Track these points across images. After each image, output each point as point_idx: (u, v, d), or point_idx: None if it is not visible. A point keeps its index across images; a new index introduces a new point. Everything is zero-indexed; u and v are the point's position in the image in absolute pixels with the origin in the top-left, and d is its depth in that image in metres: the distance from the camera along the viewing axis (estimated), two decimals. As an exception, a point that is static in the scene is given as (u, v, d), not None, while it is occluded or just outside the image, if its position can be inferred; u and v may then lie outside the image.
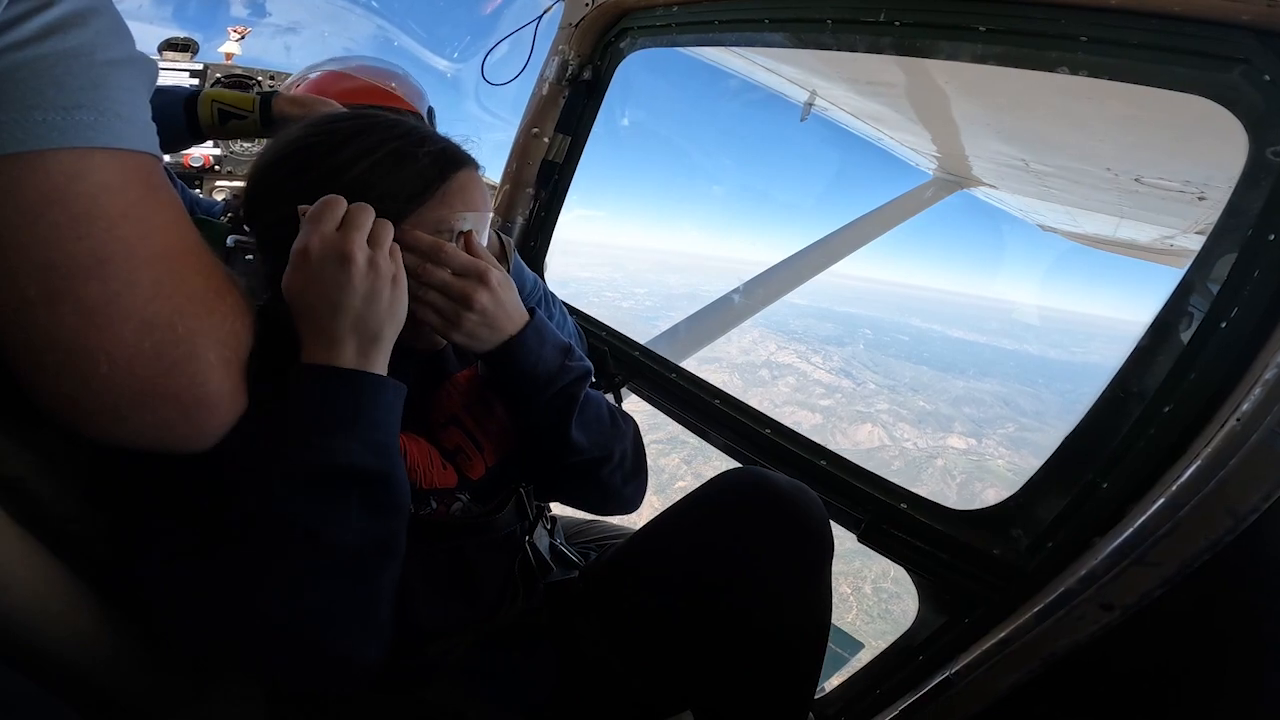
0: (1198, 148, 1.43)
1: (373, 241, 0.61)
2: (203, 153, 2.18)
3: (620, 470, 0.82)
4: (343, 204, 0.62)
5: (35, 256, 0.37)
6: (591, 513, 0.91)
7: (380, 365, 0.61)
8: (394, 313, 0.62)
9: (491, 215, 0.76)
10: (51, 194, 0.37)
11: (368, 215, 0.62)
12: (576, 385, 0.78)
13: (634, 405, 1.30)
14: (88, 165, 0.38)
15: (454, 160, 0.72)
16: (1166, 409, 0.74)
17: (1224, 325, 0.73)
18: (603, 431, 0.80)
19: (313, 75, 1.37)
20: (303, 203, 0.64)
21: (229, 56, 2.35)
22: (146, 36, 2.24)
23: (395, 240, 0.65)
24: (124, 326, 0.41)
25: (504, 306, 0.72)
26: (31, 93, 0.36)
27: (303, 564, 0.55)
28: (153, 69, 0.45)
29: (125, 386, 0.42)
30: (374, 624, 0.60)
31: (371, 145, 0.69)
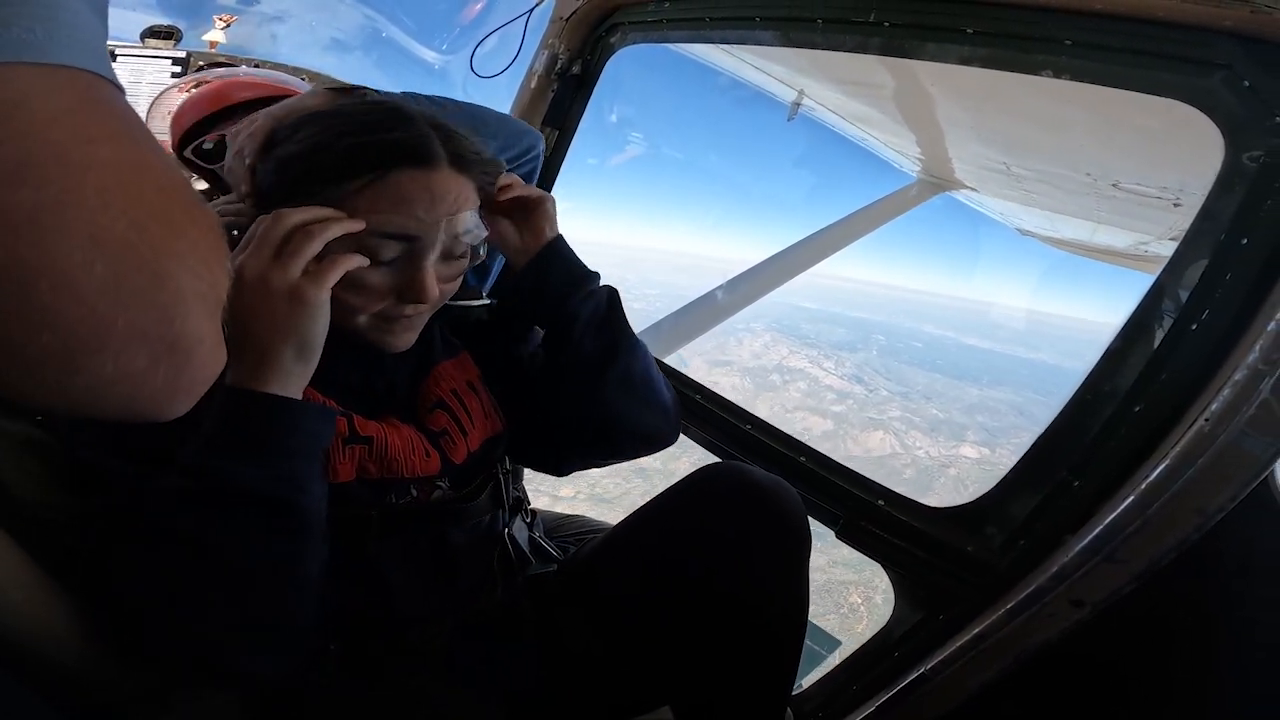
0: (1175, 154, 1.46)
1: (286, 254, 0.58)
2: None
3: (660, 378, 0.87)
4: (272, 220, 0.60)
5: None
6: (631, 443, 0.86)
7: (282, 384, 0.58)
8: (289, 329, 0.58)
9: (444, 223, 0.66)
10: None
11: (277, 229, 0.59)
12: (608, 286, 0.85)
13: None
14: (2, 76, 0.33)
15: (386, 156, 0.64)
16: (1138, 409, 0.75)
17: (1195, 327, 0.74)
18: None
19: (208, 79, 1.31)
20: (249, 190, 0.67)
21: (213, 44, 2.32)
22: (129, 24, 2.20)
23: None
24: (67, 240, 0.34)
25: None
26: None
27: (192, 575, 0.55)
28: (98, 1, 0.39)
29: (76, 319, 0.34)
30: (273, 642, 0.60)
31: (314, 132, 0.67)
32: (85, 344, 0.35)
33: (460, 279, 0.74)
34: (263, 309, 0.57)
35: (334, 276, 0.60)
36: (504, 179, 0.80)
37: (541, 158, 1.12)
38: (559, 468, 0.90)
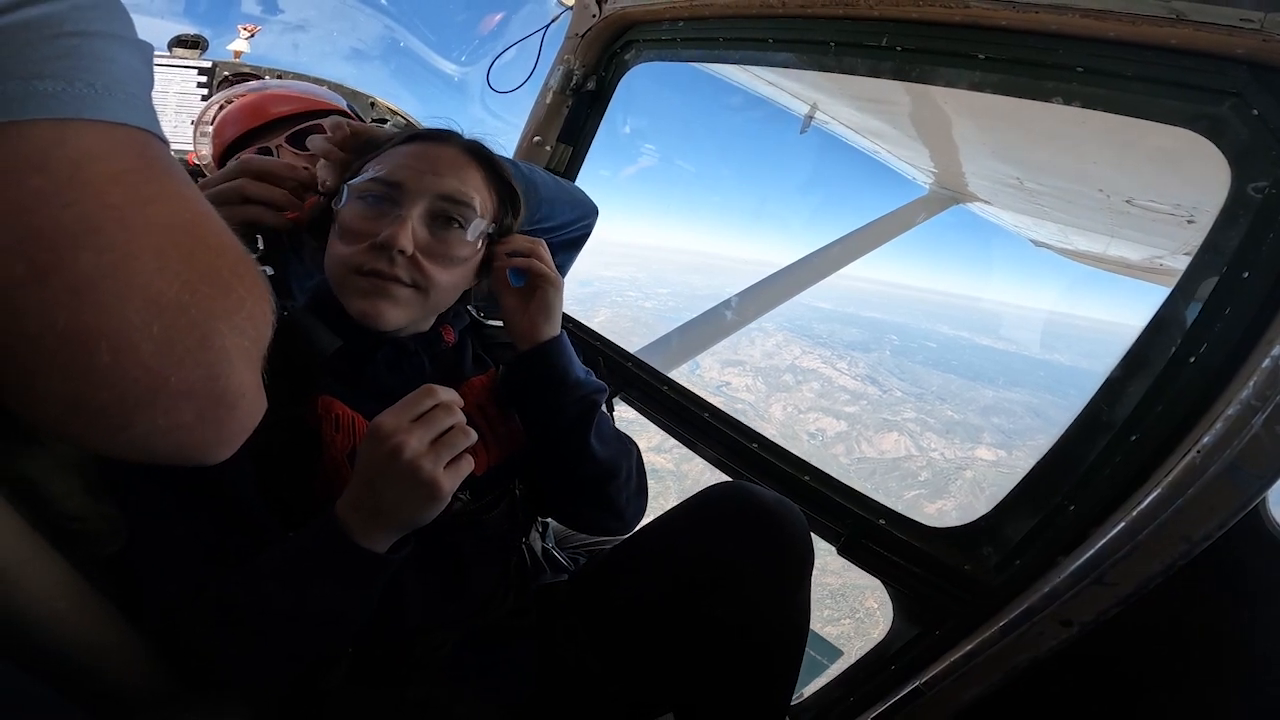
0: (1189, 173, 1.45)
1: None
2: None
3: (626, 488, 0.87)
4: (425, 393, 0.64)
5: (19, 227, 0.34)
6: (591, 532, 0.96)
7: (384, 544, 0.66)
8: (414, 510, 0.64)
9: (429, 179, 0.75)
10: (26, 162, 0.34)
11: (427, 401, 0.64)
12: (598, 394, 0.84)
13: (623, 413, 1.33)
14: (67, 133, 0.35)
15: (414, 133, 0.80)
16: (1134, 438, 0.77)
17: (1193, 360, 0.75)
18: (614, 445, 0.86)
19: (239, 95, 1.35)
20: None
21: (237, 54, 2.37)
22: (157, 32, 2.26)
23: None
24: (126, 306, 0.36)
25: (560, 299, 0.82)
26: None
27: (242, 630, 0.65)
28: (145, 49, 0.41)
29: (132, 380, 0.36)
30: (300, 667, 0.69)
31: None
32: (140, 400, 0.37)
33: (453, 271, 0.76)
34: (400, 486, 0.62)
35: (464, 474, 0.65)
36: (517, 240, 0.82)
37: (591, 231, 1.13)
38: (538, 508, 0.94)
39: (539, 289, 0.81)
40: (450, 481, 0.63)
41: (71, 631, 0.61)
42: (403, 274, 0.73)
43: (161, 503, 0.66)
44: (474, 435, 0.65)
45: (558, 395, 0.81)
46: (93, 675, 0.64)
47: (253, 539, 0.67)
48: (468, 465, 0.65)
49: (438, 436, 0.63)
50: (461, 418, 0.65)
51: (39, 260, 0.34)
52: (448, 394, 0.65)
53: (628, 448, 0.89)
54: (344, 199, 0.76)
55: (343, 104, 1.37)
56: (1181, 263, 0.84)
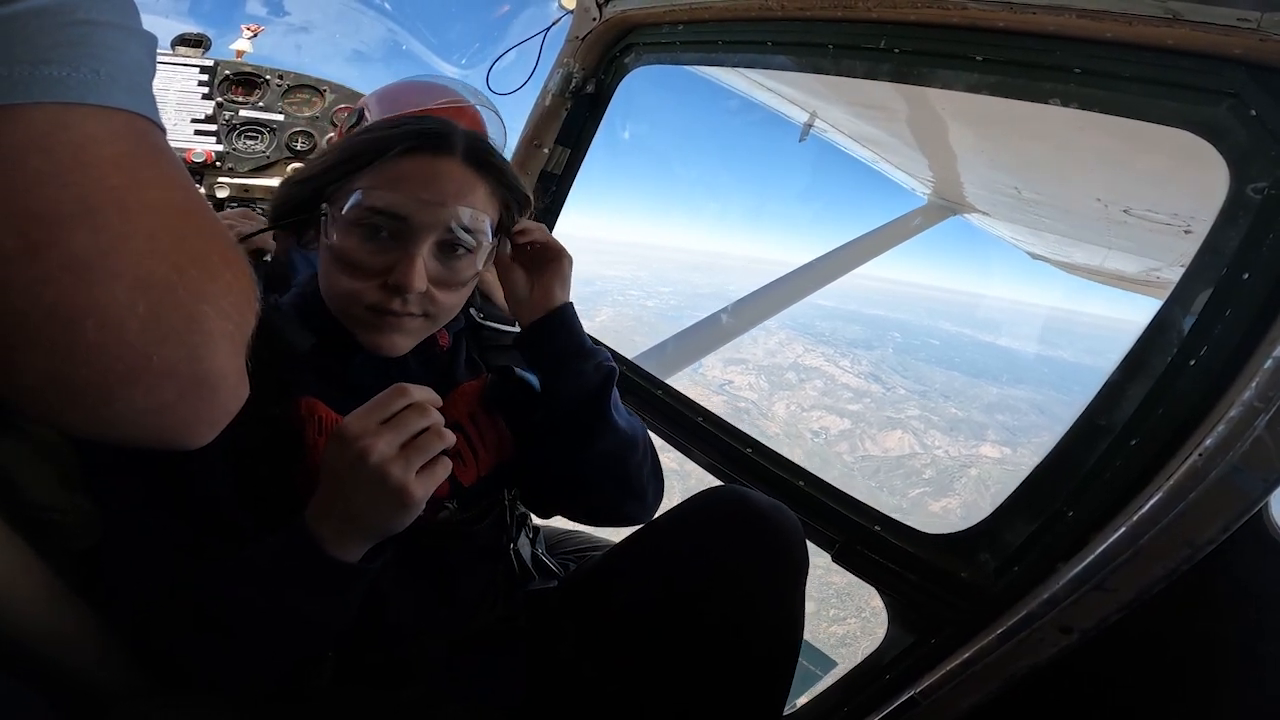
0: (1186, 181, 1.45)
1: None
2: (205, 149, 2.18)
3: (645, 466, 0.84)
4: (396, 393, 0.61)
5: (15, 206, 0.34)
6: (608, 520, 0.89)
7: (356, 554, 0.63)
8: (386, 518, 0.61)
9: (439, 210, 0.69)
10: (29, 143, 0.34)
11: (398, 402, 0.61)
12: (611, 363, 0.83)
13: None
14: (71, 117, 0.35)
15: (412, 141, 0.69)
16: (1134, 441, 0.76)
17: (1193, 362, 0.74)
18: (628, 419, 0.84)
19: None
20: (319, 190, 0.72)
21: (240, 54, 2.39)
22: (162, 30, 2.28)
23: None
24: (116, 284, 0.36)
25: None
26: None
27: (216, 630, 0.62)
28: (150, 41, 0.42)
29: (116, 355, 0.36)
30: (276, 671, 0.66)
31: (365, 129, 0.74)
32: (121, 377, 0.37)
33: (462, 292, 0.75)
34: (368, 491, 0.59)
35: (439, 480, 0.61)
36: (525, 224, 0.81)
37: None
38: (540, 510, 0.92)
39: (552, 260, 0.80)
40: (422, 488, 0.59)
41: (38, 624, 0.60)
42: (415, 309, 0.71)
43: (135, 498, 0.64)
44: (451, 438, 0.62)
45: (580, 360, 0.79)
46: (65, 670, 0.63)
47: (228, 538, 0.66)
48: (444, 470, 0.61)
49: (410, 439, 0.60)
50: (438, 419, 0.61)
51: (32, 237, 0.34)
52: (422, 393, 0.62)
53: (641, 425, 0.87)
54: (336, 221, 0.70)
55: (471, 103, 1.43)
56: (1177, 275, 0.83)
